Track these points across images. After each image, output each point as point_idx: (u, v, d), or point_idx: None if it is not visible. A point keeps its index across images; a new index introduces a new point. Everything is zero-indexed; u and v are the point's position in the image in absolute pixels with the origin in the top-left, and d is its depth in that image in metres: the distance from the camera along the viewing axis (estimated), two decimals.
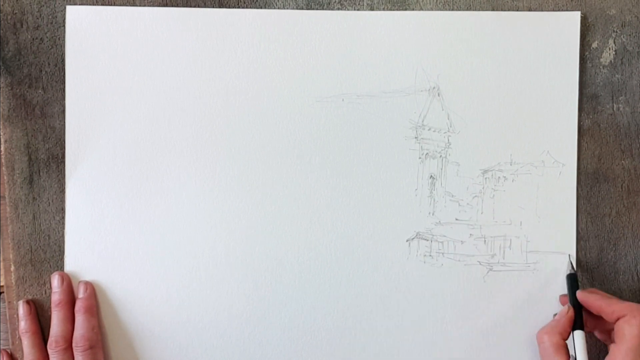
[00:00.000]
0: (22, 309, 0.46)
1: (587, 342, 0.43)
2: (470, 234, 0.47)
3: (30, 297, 0.47)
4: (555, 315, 0.45)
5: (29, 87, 0.47)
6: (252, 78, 0.47)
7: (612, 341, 0.42)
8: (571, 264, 0.47)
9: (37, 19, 0.46)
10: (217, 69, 0.47)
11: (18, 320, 0.46)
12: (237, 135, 0.47)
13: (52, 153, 0.47)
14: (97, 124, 0.46)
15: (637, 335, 0.40)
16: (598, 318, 0.43)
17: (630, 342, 0.40)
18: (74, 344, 0.44)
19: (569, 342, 0.43)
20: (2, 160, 0.47)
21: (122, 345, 0.47)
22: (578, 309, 0.44)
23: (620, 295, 0.48)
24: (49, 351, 0.44)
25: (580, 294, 0.44)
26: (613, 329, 0.42)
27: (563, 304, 0.46)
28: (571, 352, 0.43)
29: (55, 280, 0.46)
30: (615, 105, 0.48)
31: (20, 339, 0.46)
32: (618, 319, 0.41)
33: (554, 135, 0.47)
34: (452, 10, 0.47)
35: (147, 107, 0.47)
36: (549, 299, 0.47)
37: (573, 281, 0.46)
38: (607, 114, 0.48)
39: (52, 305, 0.46)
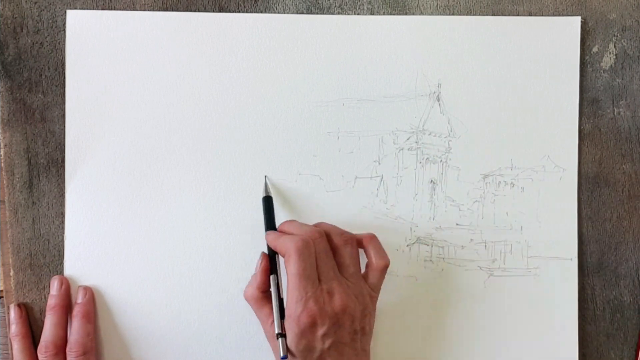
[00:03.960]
0: (13, 312, 0.46)
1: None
2: (471, 239, 0.47)
3: (28, 301, 0.46)
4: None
5: (28, 91, 0.47)
6: (253, 82, 0.47)
7: None
8: (266, 184, 0.46)
9: (37, 23, 0.46)
10: (217, 74, 0.47)
11: (9, 324, 0.46)
12: (237, 140, 0.47)
13: (51, 157, 0.47)
14: (97, 129, 0.46)
15: (294, 273, 0.39)
16: None
17: (291, 281, 0.40)
18: (67, 349, 0.44)
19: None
20: (2, 165, 0.47)
21: (120, 350, 0.46)
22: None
23: (621, 300, 0.48)
24: (39, 356, 0.44)
25: (266, 235, 0.43)
26: None
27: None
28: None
29: (55, 284, 0.46)
30: (615, 110, 0.48)
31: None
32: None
33: (555, 139, 0.47)
34: (453, 15, 0.47)
35: (147, 111, 0.47)
36: (550, 304, 0.47)
37: (268, 205, 0.45)
38: (608, 118, 0.48)
39: (47, 308, 0.45)
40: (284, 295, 0.41)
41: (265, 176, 0.46)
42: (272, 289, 0.42)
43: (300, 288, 0.40)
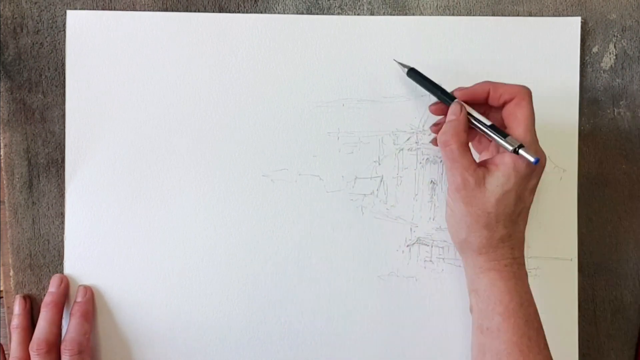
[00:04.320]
0: (17, 304, 0.46)
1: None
2: None
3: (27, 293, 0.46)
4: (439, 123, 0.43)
5: (29, 91, 0.47)
6: (253, 83, 0.47)
7: (504, 127, 0.41)
8: (399, 63, 0.45)
9: (38, 23, 0.46)
10: (217, 74, 0.47)
11: (12, 315, 0.45)
12: (237, 140, 0.47)
13: (51, 158, 0.47)
14: (97, 129, 0.46)
15: (528, 115, 0.39)
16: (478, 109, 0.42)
17: (525, 123, 0.39)
18: (62, 346, 0.44)
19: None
20: (2, 165, 0.47)
21: (120, 350, 0.46)
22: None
23: (621, 300, 0.48)
24: (31, 353, 0.43)
25: (460, 92, 0.42)
26: (501, 116, 0.41)
27: (435, 112, 0.43)
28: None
29: (55, 281, 0.46)
30: (615, 110, 0.48)
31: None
32: (505, 104, 0.40)
33: (555, 140, 0.47)
34: (453, 15, 0.47)
35: (147, 111, 0.47)
36: (551, 305, 0.47)
37: (419, 75, 0.44)
38: (608, 118, 0.48)
39: (42, 305, 0.45)
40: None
41: (394, 59, 0.46)
42: (480, 117, 0.41)
43: (532, 131, 0.40)
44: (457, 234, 0.42)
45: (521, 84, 0.41)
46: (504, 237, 0.40)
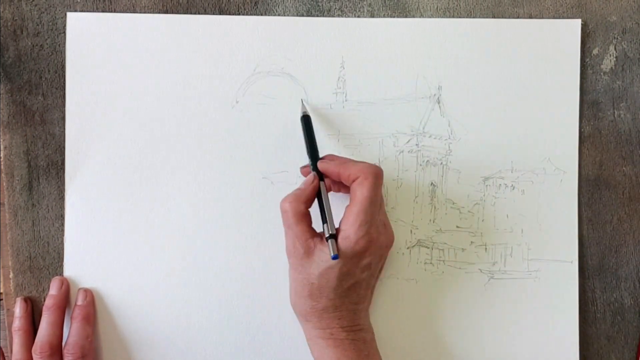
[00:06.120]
0: (18, 306, 0.46)
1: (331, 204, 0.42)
2: (471, 242, 0.47)
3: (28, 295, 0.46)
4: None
5: (28, 93, 0.47)
6: (253, 84, 0.47)
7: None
8: (303, 104, 0.46)
9: (38, 25, 0.46)
10: (217, 76, 0.47)
11: (13, 317, 0.45)
12: (237, 141, 0.47)
13: (51, 160, 0.47)
14: (97, 131, 0.46)
15: (367, 196, 0.39)
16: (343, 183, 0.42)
17: (361, 203, 0.39)
18: (65, 351, 0.44)
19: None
20: (2, 167, 0.47)
21: (120, 352, 0.46)
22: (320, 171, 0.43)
23: (621, 302, 0.48)
24: (34, 356, 0.43)
25: (320, 164, 0.42)
26: None
27: (303, 173, 0.44)
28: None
29: (56, 284, 0.46)
30: (616, 112, 0.48)
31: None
32: (353, 182, 0.41)
33: (555, 142, 0.47)
34: (453, 17, 0.47)
35: (147, 114, 0.47)
36: (551, 307, 0.47)
37: (308, 124, 0.44)
38: (608, 120, 0.48)
39: (44, 308, 0.45)
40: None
41: (302, 99, 0.46)
42: (323, 196, 0.41)
43: (367, 212, 0.39)
44: (290, 297, 0.43)
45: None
46: (327, 308, 0.41)
